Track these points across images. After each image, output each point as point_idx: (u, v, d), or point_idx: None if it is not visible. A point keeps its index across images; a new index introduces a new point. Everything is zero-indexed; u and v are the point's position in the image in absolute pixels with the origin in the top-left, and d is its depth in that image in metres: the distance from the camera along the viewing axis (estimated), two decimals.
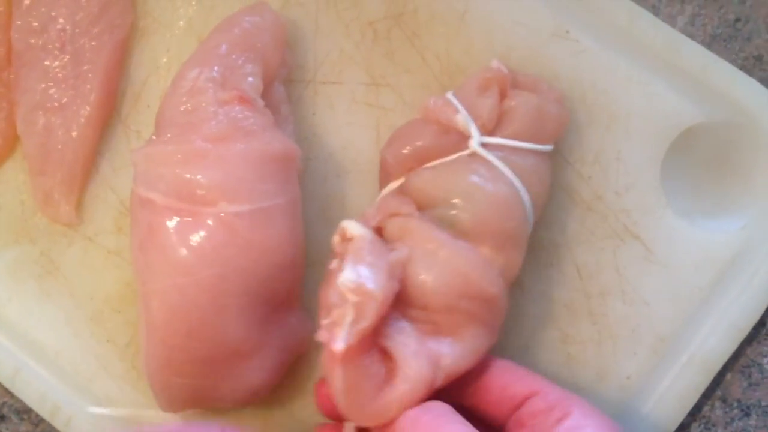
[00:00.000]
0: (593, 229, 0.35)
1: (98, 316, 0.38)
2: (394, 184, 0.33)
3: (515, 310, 0.35)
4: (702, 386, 0.34)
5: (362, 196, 0.37)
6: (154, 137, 0.32)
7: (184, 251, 0.30)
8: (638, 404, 0.34)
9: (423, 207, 0.32)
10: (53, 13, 0.37)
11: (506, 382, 0.30)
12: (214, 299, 0.30)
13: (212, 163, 0.30)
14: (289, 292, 0.32)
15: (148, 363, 0.32)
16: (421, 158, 0.33)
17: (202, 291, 0.30)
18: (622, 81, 0.35)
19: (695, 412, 0.35)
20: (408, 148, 0.33)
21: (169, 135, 0.31)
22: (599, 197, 0.35)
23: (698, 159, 0.35)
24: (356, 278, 0.28)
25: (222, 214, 0.30)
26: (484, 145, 0.32)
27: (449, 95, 0.33)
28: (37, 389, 0.37)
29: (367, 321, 0.28)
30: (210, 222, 0.30)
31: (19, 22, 0.37)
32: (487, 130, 0.32)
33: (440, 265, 0.30)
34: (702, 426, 0.35)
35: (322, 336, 0.28)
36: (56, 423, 0.37)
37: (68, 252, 0.38)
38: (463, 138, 0.32)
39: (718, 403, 0.35)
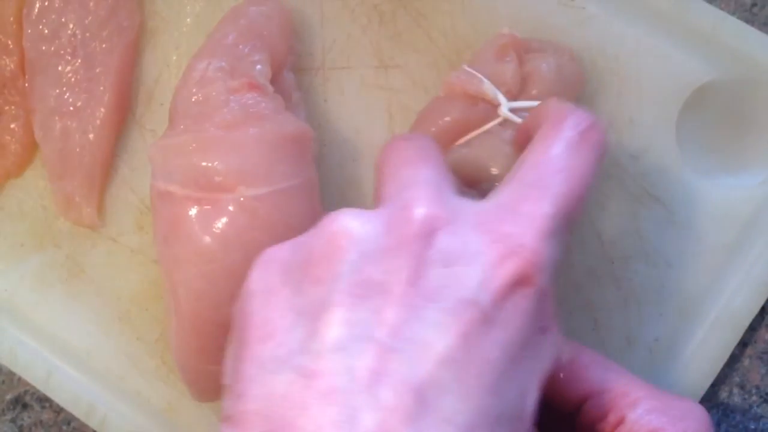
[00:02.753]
0: (612, 195, 0.34)
1: (126, 315, 0.38)
2: None
3: None
4: (731, 344, 0.33)
5: None
6: (168, 131, 0.33)
7: (207, 239, 0.30)
8: (668, 366, 0.33)
9: (467, 185, 0.32)
10: (63, 19, 0.37)
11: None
12: (240, 283, 0.30)
13: (228, 149, 0.30)
14: None
15: (179, 354, 0.32)
16: (450, 135, 0.32)
17: (228, 276, 0.30)
18: (631, 45, 0.34)
19: (713, 399, 0.35)
20: (435, 127, 0.33)
21: (182, 126, 0.31)
22: (616, 162, 0.34)
23: (713, 117, 0.34)
24: None
25: (242, 199, 0.30)
26: (513, 110, 0.31)
27: (466, 67, 0.33)
28: (70, 390, 0.37)
29: None
30: (230, 207, 0.30)
31: (29, 31, 0.37)
32: (512, 95, 0.32)
33: None
34: (720, 412, 0.35)
35: None
36: (91, 423, 0.37)
37: (92, 254, 0.38)
38: (491, 107, 0.32)
39: (736, 390, 0.35)
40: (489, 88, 0.32)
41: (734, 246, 0.33)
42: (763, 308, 0.34)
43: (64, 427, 0.39)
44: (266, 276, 0.24)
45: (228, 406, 0.23)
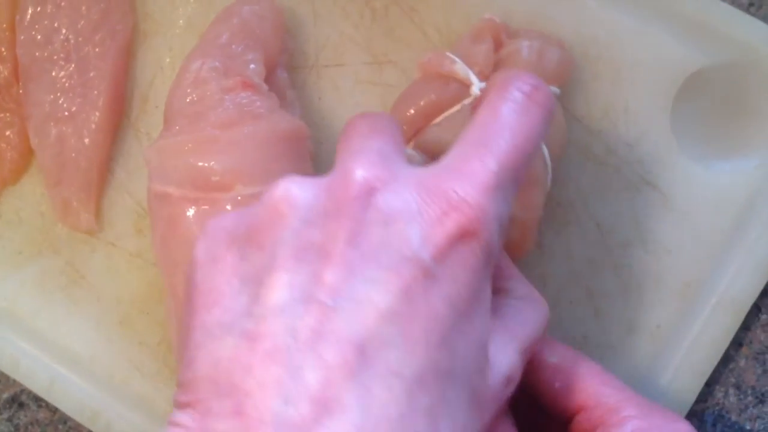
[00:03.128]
0: (609, 183, 0.34)
1: (127, 319, 0.38)
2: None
3: (538, 271, 0.35)
4: (733, 328, 0.33)
5: None
6: (163, 132, 0.33)
7: None
8: (671, 353, 0.33)
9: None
10: (55, 25, 0.37)
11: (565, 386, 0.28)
12: None
13: (223, 148, 0.30)
14: None
15: (180, 355, 0.32)
16: (428, 116, 0.32)
17: None
18: (624, 34, 0.34)
19: (709, 399, 0.35)
20: (412, 108, 0.33)
21: (177, 127, 0.31)
22: (611, 150, 0.34)
23: (707, 103, 0.34)
24: None
25: (239, 198, 0.30)
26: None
27: (448, 53, 0.33)
28: (73, 397, 0.37)
29: None
30: (228, 207, 0.30)
31: (22, 37, 0.37)
32: (485, 76, 0.32)
33: None
34: (716, 413, 0.35)
35: None
36: (96, 429, 0.37)
37: (92, 259, 0.38)
38: (464, 88, 0.32)
39: (732, 390, 0.34)
40: (461, 68, 0.32)
41: (732, 230, 0.34)
42: (758, 308, 0.34)
43: (60, 426, 0.39)
44: (211, 245, 0.24)
45: (180, 375, 0.23)
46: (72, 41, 0.37)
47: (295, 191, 0.23)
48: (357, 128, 0.27)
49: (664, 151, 0.34)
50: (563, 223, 0.35)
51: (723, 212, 0.34)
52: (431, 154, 0.31)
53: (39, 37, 0.37)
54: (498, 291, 0.26)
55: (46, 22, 0.37)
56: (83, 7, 0.37)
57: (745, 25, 0.34)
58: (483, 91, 0.31)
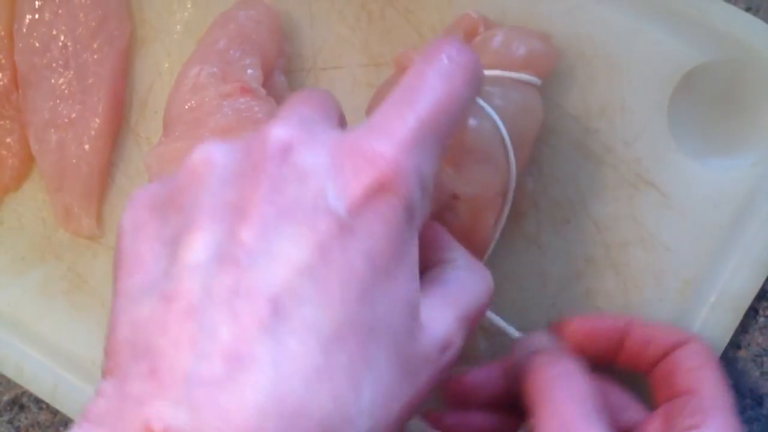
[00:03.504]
0: (606, 181, 0.35)
1: None
2: None
3: (537, 270, 0.35)
4: (733, 325, 0.33)
5: None
6: (163, 138, 0.33)
7: None
8: None
9: None
10: (54, 32, 0.37)
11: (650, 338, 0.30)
12: None
13: None
14: None
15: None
16: None
17: None
18: (619, 32, 0.34)
19: None
20: None
21: (177, 133, 0.31)
22: (609, 149, 0.35)
23: (704, 100, 0.34)
24: None
25: None
26: None
27: (419, 49, 0.33)
28: (77, 401, 0.37)
29: None
30: None
31: (21, 45, 0.37)
32: None
33: None
34: None
35: None
36: None
37: (94, 264, 0.38)
38: None
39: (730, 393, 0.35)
40: None
41: (730, 227, 0.34)
42: (756, 311, 0.34)
43: (61, 429, 0.39)
44: (135, 213, 0.24)
45: (106, 340, 0.23)
46: (70, 48, 0.37)
47: (213, 153, 0.23)
48: (288, 101, 0.26)
49: (661, 149, 0.34)
50: (561, 222, 0.35)
51: (721, 209, 0.34)
52: None
53: (37, 44, 0.37)
54: (438, 262, 0.26)
55: (44, 30, 0.37)
56: (81, 15, 0.37)
57: (741, 23, 0.33)
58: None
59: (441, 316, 0.24)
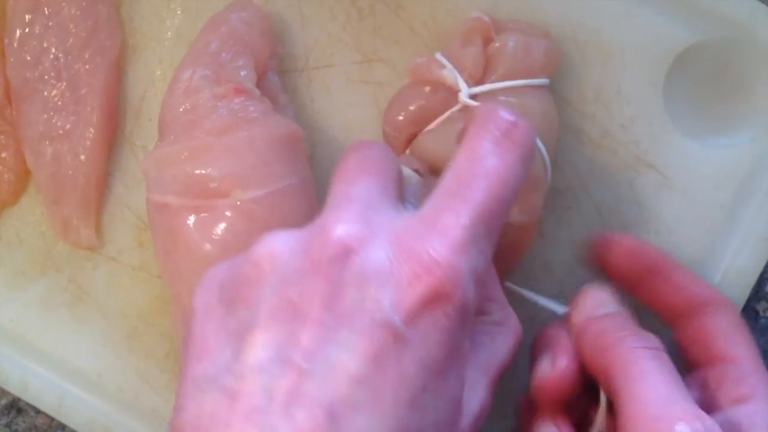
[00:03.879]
0: (606, 166, 0.34)
1: (134, 333, 0.38)
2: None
3: (541, 258, 0.35)
4: (740, 303, 0.33)
5: None
6: (159, 143, 0.33)
7: (208, 246, 0.30)
8: None
9: (434, 172, 0.32)
10: (44, 44, 0.37)
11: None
12: None
13: (220, 154, 0.30)
14: None
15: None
16: (418, 122, 0.32)
17: None
18: (611, 16, 0.34)
19: None
20: (402, 114, 0.32)
21: (172, 137, 0.31)
22: (606, 133, 0.34)
23: (699, 79, 0.34)
24: None
25: (238, 203, 0.30)
26: (475, 96, 0.31)
27: (437, 55, 0.33)
28: (83, 414, 0.37)
29: None
30: (228, 213, 0.30)
31: (12, 59, 0.37)
32: (476, 80, 0.32)
33: None
34: None
35: None
36: None
37: (95, 275, 0.38)
38: (454, 93, 0.32)
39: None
40: (449, 73, 0.32)
41: (732, 204, 0.34)
42: (756, 312, 0.34)
43: None
44: (207, 294, 0.25)
45: (172, 417, 0.24)
46: (62, 60, 0.37)
47: (277, 247, 0.24)
48: (344, 169, 0.27)
49: (659, 131, 0.34)
50: (563, 209, 0.35)
51: (722, 187, 0.34)
52: (427, 162, 0.31)
53: (29, 57, 0.37)
54: (476, 311, 0.26)
55: (34, 43, 0.37)
56: (71, 26, 0.37)
57: (732, 1, 0.34)
58: (474, 96, 0.31)
59: (476, 392, 0.25)
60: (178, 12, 0.38)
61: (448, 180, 0.25)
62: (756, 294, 0.34)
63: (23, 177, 0.38)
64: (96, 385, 0.38)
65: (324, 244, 0.23)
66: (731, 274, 0.33)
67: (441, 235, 0.23)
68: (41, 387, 0.38)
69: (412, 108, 0.32)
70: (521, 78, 0.31)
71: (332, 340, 0.22)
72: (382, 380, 0.22)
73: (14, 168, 0.38)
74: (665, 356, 0.27)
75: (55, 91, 0.37)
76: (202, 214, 0.30)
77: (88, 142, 0.37)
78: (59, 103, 0.37)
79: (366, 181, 0.25)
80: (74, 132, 0.37)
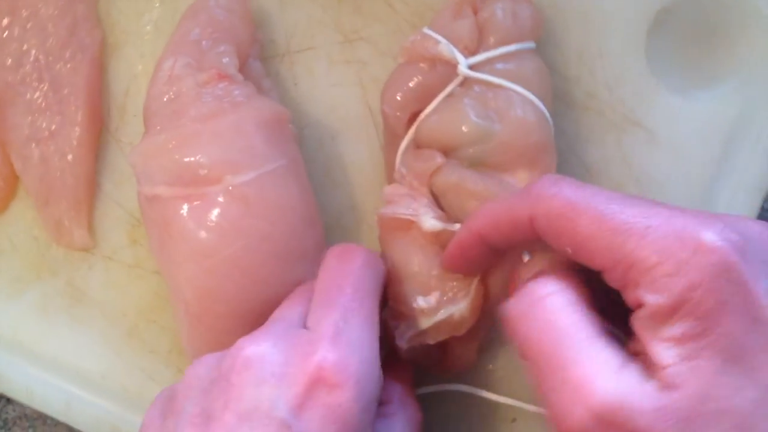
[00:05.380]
0: (593, 127, 0.35)
1: (135, 330, 0.37)
2: (404, 142, 0.33)
3: None
4: None
5: (359, 151, 0.36)
6: (145, 135, 0.32)
7: (203, 234, 0.30)
8: None
9: (445, 152, 0.32)
10: (24, 47, 0.37)
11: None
12: (245, 272, 0.30)
13: (208, 140, 0.30)
14: (317, 247, 0.32)
15: (196, 355, 0.32)
16: (418, 100, 0.32)
17: (231, 267, 0.30)
18: None
19: None
20: (400, 93, 0.32)
21: (158, 127, 0.31)
22: (592, 95, 0.35)
23: (679, 35, 0.34)
24: None
25: (230, 188, 0.30)
26: (473, 66, 0.31)
27: (425, 30, 0.33)
28: (91, 416, 0.37)
29: None
30: (220, 198, 0.30)
31: None
32: (472, 51, 0.31)
33: None
34: None
35: None
36: None
37: (91, 275, 0.38)
38: (452, 67, 0.32)
39: None
40: (445, 49, 0.31)
41: (721, 157, 0.34)
42: None
43: (49, 420, 0.39)
44: (153, 409, 0.28)
45: None
46: (42, 61, 0.37)
47: (197, 365, 0.28)
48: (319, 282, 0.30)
49: (643, 88, 0.34)
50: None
51: (710, 139, 0.34)
52: (433, 143, 0.32)
53: (9, 61, 0.37)
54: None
55: (14, 46, 0.37)
56: (50, 26, 0.37)
57: None
58: (484, 70, 0.31)
59: None
60: (156, 4, 0.37)
61: (315, 298, 0.29)
62: None
63: (12, 182, 0.38)
64: (100, 385, 0.37)
65: (234, 358, 0.26)
66: None
67: (320, 335, 0.26)
68: (46, 392, 0.37)
69: (411, 85, 0.32)
70: (513, 43, 0.31)
71: None
72: None
73: (2, 174, 0.38)
74: (566, 315, 0.25)
75: (37, 93, 0.37)
76: (195, 203, 0.30)
77: (75, 142, 0.37)
78: (43, 104, 0.37)
79: (299, 304, 0.29)
80: (60, 132, 0.37)
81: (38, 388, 0.37)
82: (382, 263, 0.31)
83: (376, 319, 0.28)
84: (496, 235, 0.28)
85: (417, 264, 0.31)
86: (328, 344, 0.26)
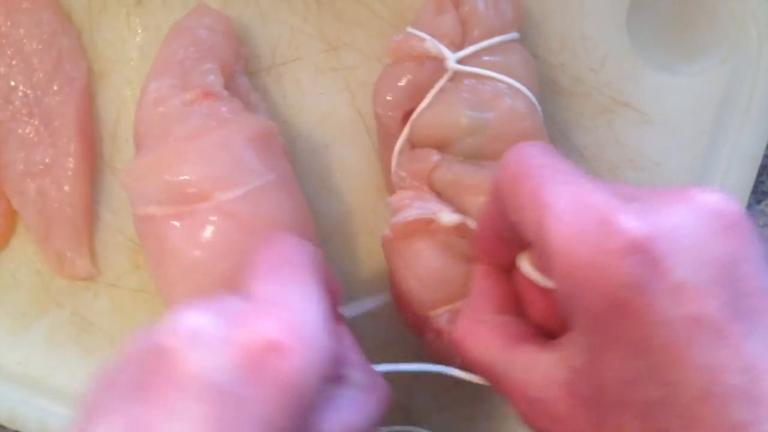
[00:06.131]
0: (582, 111, 0.35)
1: None
2: (399, 142, 0.33)
3: None
4: None
5: (353, 157, 0.36)
6: (136, 156, 0.32)
7: (196, 252, 0.30)
8: None
9: (440, 148, 0.32)
10: (11, 83, 0.37)
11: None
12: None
13: (195, 158, 0.30)
14: None
15: None
16: (410, 98, 0.32)
17: (225, 285, 0.29)
18: None
19: None
20: (391, 93, 0.32)
21: (148, 147, 0.31)
22: (578, 79, 0.35)
23: (660, 11, 0.34)
24: None
25: (220, 205, 0.29)
26: (461, 60, 0.31)
27: (409, 29, 0.33)
28: None
29: None
30: (211, 216, 0.29)
31: None
32: (458, 45, 0.32)
33: None
34: None
35: None
36: None
37: (96, 304, 0.38)
38: (440, 63, 0.32)
39: None
40: (431, 45, 0.32)
41: (713, 129, 0.34)
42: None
43: None
44: (91, 388, 0.26)
45: None
46: (31, 96, 0.37)
47: (136, 336, 0.25)
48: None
49: (629, 69, 0.34)
50: None
51: (700, 113, 0.34)
52: (428, 139, 0.32)
53: None
54: (334, 379, 0.27)
55: (1, 83, 0.37)
56: (35, 61, 0.37)
57: None
58: (460, 61, 0.32)
59: None
60: (139, 31, 0.38)
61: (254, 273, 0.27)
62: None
63: (11, 218, 0.38)
64: None
65: (172, 327, 0.24)
66: None
67: (265, 303, 0.25)
68: (60, 425, 0.37)
69: (401, 84, 0.32)
70: (497, 35, 0.32)
71: (174, 412, 0.22)
72: None
73: (0, 211, 0.38)
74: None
75: (29, 128, 0.37)
76: (186, 221, 0.30)
77: (70, 173, 0.37)
78: (35, 138, 0.37)
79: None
80: (54, 165, 0.37)
81: (52, 421, 0.37)
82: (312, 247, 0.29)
83: (319, 288, 0.26)
84: (498, 222, 0.27)
85: (444, 263, 0.31)
86: (272, 310, 0.24)
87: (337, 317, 0.30)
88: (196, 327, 0.24)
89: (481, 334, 0.27)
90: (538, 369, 0.24)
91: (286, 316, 0.24)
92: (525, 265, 0.27)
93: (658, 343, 0.21)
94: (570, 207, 0.22)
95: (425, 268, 0.31)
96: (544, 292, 0.26)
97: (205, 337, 0.24)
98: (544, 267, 0.25)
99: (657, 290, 0.21)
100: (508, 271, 0.29)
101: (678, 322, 0.21)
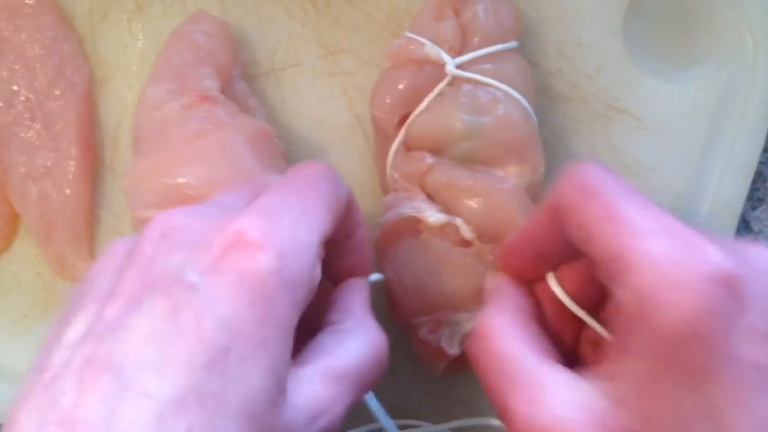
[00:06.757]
0: (578, 117, 0.35)
1: None
2: (395, 144, 0.33)
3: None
4: (731, 228, 0.33)
5: (351, 161, 0.36)
6: (134, 160, 0.33)
7: None
8: None
9: (435, 151, 0.32)
10: (14, 88, 0.38)
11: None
12: None
13: (193, 161, 0.30)
14: None
15: None
16: (407, 102, 0.32)
17: None
18: None
19: None
20: (390, 96, 0.33)
21: (146, 151, 0.32)
22: (574, 86, 0.35)
23: (656, 19, 0.35)
24: None
25: None
26: (460, 66, 0.32)
27: (408, 33, 0.34)
28: None
29: None
30: None
31: None
32: (457, 51, 0.32)
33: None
34: None
35: None
36: None
37: None
38: (439, 68, 0.32)
39: None
40: (431, 50, 0.32)
41: (708, 136, 0.34)
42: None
43: None
44: (68, 300, 0.26)
45: None
46: (33, 100, 0.38)
47: (114, 244, 0.25)
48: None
49: (625, 75, 0.34)
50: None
51: (695, 120, 0.34)
52: (423, 142, 0.32)
53: (0, 103, 0.38)
54: (326, 324, 0.26)
55: (3, 88, 0.37)
56: (37, 65, 0.38)
57: None
58: (459, 67, 0.32)
59: (310, 386, 0.24)
60: (140, 36, 0.38)
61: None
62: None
63: (12, 221, 0.39)
64: None
65: (150, 229, 0.24)
66: (718, 203, 0.33)
67: (250, 208, 0.24)
68: None
69: (400, 88, 0.32)
70: (496, 43, 0.32)
71: (136, 307, 0.22)
72: (175, 338, 0.21)
73: (3, 214, 0.38)
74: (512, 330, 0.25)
75: (31, 132, 0.38)
76: None
77: (71, 176, 0.37)
78: (37, 142, 0.38)
79: (238, 195, 0.27)
80: (56, 168, 0.38)
81: None
82: (344, 184, 0.28)
83: (326, 219, 0.25)
84: (546, 235, 0.26)
85: (429, 272, 0.31)
86: (254, 213, 0.23)
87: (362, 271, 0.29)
88: (170, 226, 0.23)
89: (514, 329, 0.25)
90: (563, 393, 0.22)
91: (269, 221, 0.23)
92: (554, 285, 0.26)
93: (725, 379, 0.20)
94: (656, 227, 0.22)
95: (410, 277, 0.31)
96: (566, 315, 0.26)
97: (177, 235, 0.23)
98: (586, 288, 0.24)
99: (736, 326, 0.21)
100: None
101: (748, 365, 0.21)
